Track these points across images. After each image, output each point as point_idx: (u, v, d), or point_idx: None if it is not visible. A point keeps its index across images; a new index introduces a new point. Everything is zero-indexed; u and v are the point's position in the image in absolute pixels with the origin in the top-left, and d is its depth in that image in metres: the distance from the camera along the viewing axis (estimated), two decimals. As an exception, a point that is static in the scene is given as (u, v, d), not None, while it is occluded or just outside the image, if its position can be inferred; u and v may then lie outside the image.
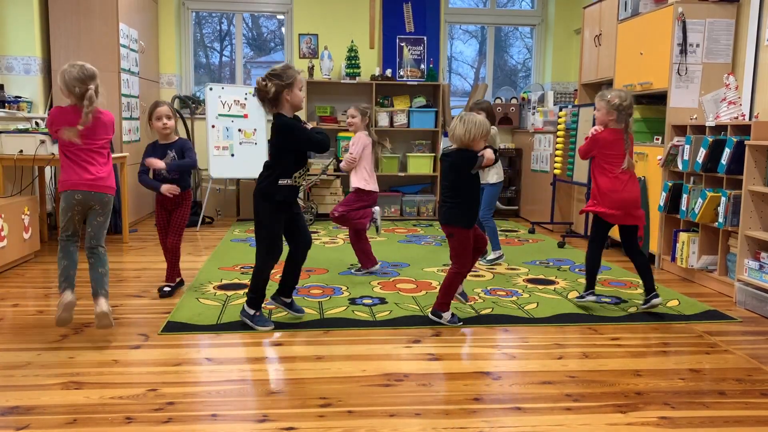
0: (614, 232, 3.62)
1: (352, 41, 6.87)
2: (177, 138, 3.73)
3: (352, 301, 3.58)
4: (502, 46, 8.16)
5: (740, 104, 4.05)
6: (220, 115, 6.23)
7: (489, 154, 3.06)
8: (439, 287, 3.29)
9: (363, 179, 4.27)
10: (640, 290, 3.87)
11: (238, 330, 3.09)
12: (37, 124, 4.85)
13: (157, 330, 3.06)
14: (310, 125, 3.07)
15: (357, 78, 6.84)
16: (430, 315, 3.25)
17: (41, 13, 5.47)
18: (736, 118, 3.95)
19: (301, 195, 6.37)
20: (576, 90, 6.47)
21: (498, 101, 7.38)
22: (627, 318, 3.38)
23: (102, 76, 5.51)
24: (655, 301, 3.39)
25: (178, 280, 3.79)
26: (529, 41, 8.01)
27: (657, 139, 4.72)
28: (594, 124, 3.56)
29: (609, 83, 5.53)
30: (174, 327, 3.11)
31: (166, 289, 3.69)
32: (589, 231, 5.50)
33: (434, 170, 6.98)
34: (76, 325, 3.05)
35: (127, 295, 3.69)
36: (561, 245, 5.35)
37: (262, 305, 3.17)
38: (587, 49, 6.02)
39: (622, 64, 5.18)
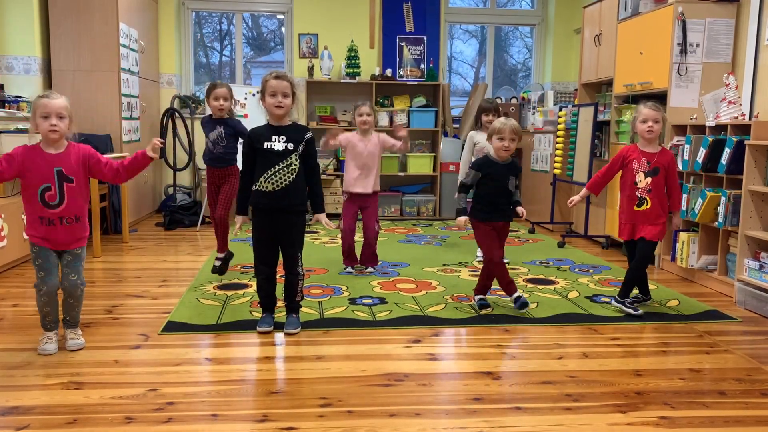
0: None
1: (352, 41, 6.87)
2: (229, 117, 4.00)
3: (352, 301, 3.58)
4: (502, 45, 8.16)
5: (740, 104, 4.05)
6: (220, 114, 6.22)
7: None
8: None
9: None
10: (638, 291, 3.88)
11: (238, 330, 3.09)
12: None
13: (157, 330, 3.06)
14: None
15: (357, 78, 6.84)
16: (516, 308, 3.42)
17: (41, 13, 5.47)
18: (736, 117, 3.95)
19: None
20: (576, 90, 6.47)
21: (498, 101, 7.38)
22: (627, 318, 3.37)
23: (102, 76, 5.62)
24: (635, 311, 3.40)
25: (224, 254, 4.06)
26: (529, 41, 8.01)
27: (657, 139, 4.72)
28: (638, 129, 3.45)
29: (609, 83, 5.54)
30: (174, 327, 3.10)
31: (217, 263, 4.01)
32: (589, 231, 5.52)
33: (434, 170, 6.98)
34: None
35: (127, 295, 3.69)
36: (561, 245, 5.35)
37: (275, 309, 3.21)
38: (587, 49, 6.02)
39: (622, 64, 5.18)
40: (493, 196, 3.38)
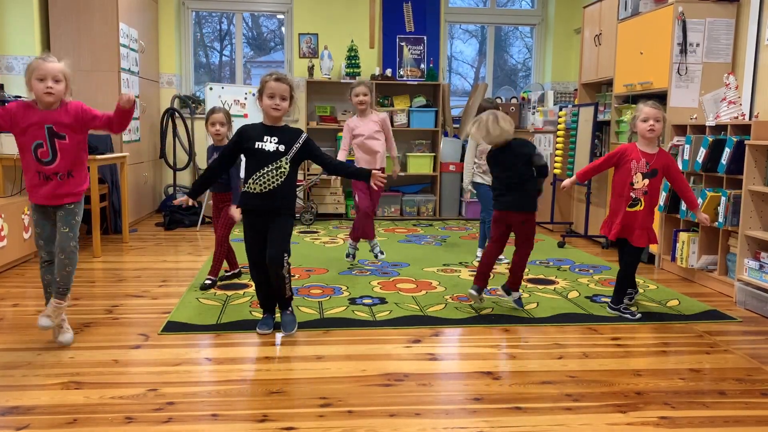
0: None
1: (352, 41, 6.87)
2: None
3: (352, 301, 3.58)
4: (502, 45, 8.16)
5: (740, 104, 4.04)
6: (220, 114, 6.22)
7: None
8: (512, 270, 3.51)
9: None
10: (640, 290, 3.88)
11: (238, 330, 3.08)
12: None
13: (157, 330, 3.06)
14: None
15: (357, 77, 6.82)
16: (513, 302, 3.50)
17: (41, 13, 5.47)
18: (736, 117, 3.95)
19: (300, 196, 6.37)
20: (576, 90, 6.47)
21: (498, 101, 7.37)
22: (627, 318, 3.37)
23: (102, 76, 5.62)
24: (632, 316, 3.38)
25: (233, 271, 4.05)
26: (529, 41, 8.01)
27: (657, 139, 4.72)
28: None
29: (609, 83, 5.54)
30: (174, 327, 3.11)
31: (207, 282, 3.86)
32: (589, 231, 5.51)
33: (434, 170, 6.98)
34: (76, 325, 3.04)
35: (127, 295, 3.69)
36: (561, 245, 5.35)
37: (280, 308, 3.18)
38: (587, 49, 6.02)
39: (622, 64, 5.18)
40: None
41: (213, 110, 3.98)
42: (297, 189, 6.18)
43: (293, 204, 3.05)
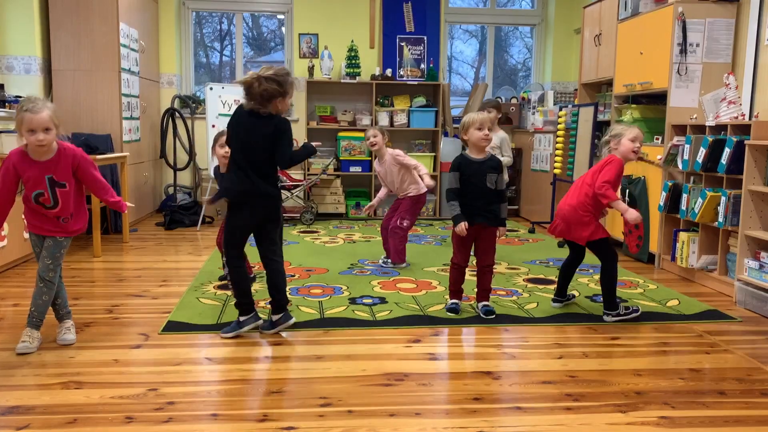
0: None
1: (352, 41, 6.87)
2: None
3: (352, 301, 3.58)
4: (502, 45, 8.16)
5: (740, 104, 4.05)
6: (220, 114, 6.23)
7: None
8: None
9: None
10: (640, 289, 3.89)
11: (238, 330, 3.08)
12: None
13: (157, 330, 3.06)
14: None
15: (357, 78, 6.84)
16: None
17: (41, 13, 5.47)
18: (736, 117, 3.95)
19: (300, 196, 6.37)
20: (576, 90, 6.47)
21: (498, 101, 7.36)
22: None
23: (102, 76, 5.62)
24: (635, 311, 3.35)
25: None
26: (529, 41, 8.01)
27: (657, 139, 4.72)
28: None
29: (609, 83, 5.54)
30: (174, 327, 3.11)
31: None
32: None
33: (434, 170, 6.98)
34: (76, 325, 3.03)
35: (127, 294, 3.69)
36: (561, 245, 5.34)
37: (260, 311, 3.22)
38: (587, 49, 6.02)
39: (622, 64, 5.18)
40: (470, 198, 3.23)
41: (221, 133, 3.77)
42: (297, 189, 6.19)
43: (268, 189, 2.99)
